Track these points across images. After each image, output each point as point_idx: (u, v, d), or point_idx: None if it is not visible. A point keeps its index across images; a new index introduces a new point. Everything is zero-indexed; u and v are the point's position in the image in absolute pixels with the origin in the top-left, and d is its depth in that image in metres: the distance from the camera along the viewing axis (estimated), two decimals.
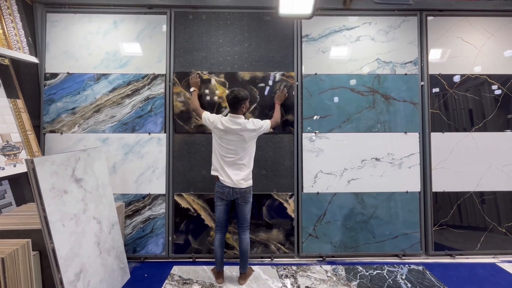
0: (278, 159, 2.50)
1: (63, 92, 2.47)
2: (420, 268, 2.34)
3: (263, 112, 2.49)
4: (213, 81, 2.49)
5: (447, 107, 2.56)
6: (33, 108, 2.37)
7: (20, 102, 2.20)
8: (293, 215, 2.49)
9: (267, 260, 2.46)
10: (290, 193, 2.49)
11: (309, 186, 2.50)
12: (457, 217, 2.54)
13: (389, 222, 2.51)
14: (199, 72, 2.47)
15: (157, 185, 2.47)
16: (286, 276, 2.21)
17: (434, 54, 2.56)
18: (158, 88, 2.49)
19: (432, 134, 2.54)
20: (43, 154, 2.39)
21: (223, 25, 2.51)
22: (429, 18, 2.56)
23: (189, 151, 2.49)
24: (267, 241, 2.48)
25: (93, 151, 2.01)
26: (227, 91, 2.33)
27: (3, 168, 1.93)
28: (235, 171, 1.99)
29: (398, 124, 2.53)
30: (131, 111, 2.48)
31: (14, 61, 2.19)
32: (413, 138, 2.54)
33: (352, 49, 2.54)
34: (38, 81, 2.46)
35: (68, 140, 2.45)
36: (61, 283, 1.52)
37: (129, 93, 2.48)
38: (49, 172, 1.57)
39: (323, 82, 2.52)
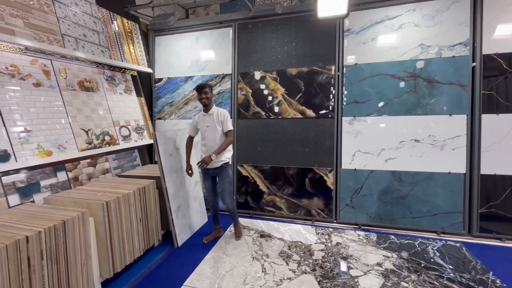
0: (320, 139, 2.95)
1: (165, 91, 3.56)
2: (458, 245, 2.44)
3: (308, 101, 2.97)
4: (267, 78, 3.12)
5: (504, 87, 2.45)
6: (149, 103, 3.54)
7: (142, 99, 3.36)
8: (332, 187, 2.92)
9: (308, 222, 2.99)
10: (329, 168, 2.93)
11: (347, 163, 2.87)
12: (510, 202, 2.46)
13: (428, 200, 2.64)
14: (255, 71, 3.13)
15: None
16: (322, 234, 2.70)
17: (490, 33, 2.47)
18: (226, 85, 3.29)
19: (483, 116, 2.50)
20: None
21: (274, 29, 3.08)
22: None
23: (248, 132, 3.21)
24: (309, 206, 3.01)
25: (184, 131, 2.95)
26: (278, 85, 2.91)
27: (136, 141, 3.08)
28: None
29: (441, 107, 2.59)
30: None
31: (139, 72, 3.35)
32: (459, 120, 2.56)
33: (394, 38, 2.71)
34: (151, 85, 3.62)
35: (168, 124, 3.53)
36: (170, 209, 2.48)
37: None
38: (162, 141, 2.53)
39: (363, 71, 2.80)
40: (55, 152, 2.21)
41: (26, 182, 2.02)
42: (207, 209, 3.22)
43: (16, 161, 1.93)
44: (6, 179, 1.90)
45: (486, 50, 2.48)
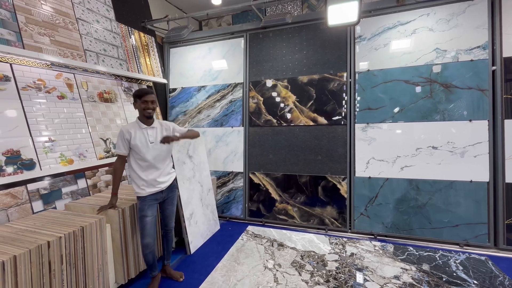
0: (332, 147, 2.92)
1: (179, 101, 3.67)
2: (483, 258, 2.29)
3: (319, 108, 2.96)
4: (278, 86, 3.14)
5: None
6: (164, 112, 3.66)
7: (158, 109, 3.47)
8: (345, 195, 2.86)
9: (322, 232, 2.93)
10: (343, 176, 2.87)
11: (361, 171, 2.81)
12: None
13: (448, 210, 2.52)
14: (266, 80, 3.17)
15: (238, 165, 3.33)
16: (336, 244, 2.63)
17: (510, 36, 2.37)
18: (238, 93, 3.35)
19: (506, 121, 2.38)
20: None
21: (285, 38, 3.12)
22: None
23: (260, 140, 3.23)
24: (322, 215, 2.95)
25: (197, 139, 3.02)
26: (289, 93, 2.93)
27: None
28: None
29: (460, 112, 2.49)
30: (220, 111, 3.43)
31: (154, 83, 3.48)
32: (481, 126, 2.45)
33: (407, 43, 2.66)
34: (166, 94, 3.74)
35: None
36: (183, 216, 2.52)
37: (219, 98, 3.43)
38: (176, 150, 2.59)
39: (375, 77, 2.76)
40: (76, 160, 2.32)
41: (49, 189, 2.13)
42: (219, 217, 3.23)
43: (41, 169, 2.05)
44: (31, 186, 2.01)
45: (507, 53, 2.38)
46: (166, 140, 1.84)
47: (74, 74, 2.46)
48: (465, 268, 2.15)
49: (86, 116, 2.51)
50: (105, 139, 2.64)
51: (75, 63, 2.35)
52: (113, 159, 2.65)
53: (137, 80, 3.20)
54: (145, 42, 3.37)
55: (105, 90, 2.75)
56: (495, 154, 2.41)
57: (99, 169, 2.56)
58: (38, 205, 2.04)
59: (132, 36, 3.17)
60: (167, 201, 2.08)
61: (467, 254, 2.36)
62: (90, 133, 2.50)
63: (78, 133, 2.40)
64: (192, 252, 2.57)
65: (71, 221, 1.72)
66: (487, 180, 2.43)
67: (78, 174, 2.37)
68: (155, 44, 3.52)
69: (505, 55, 2.39)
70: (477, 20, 2.46)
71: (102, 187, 2.57)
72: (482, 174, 2.44)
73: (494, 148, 2.41)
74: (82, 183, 2.40)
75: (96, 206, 2.00)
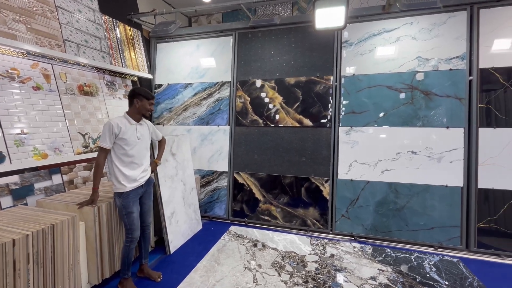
0: (317, 149, 2.95)
1: (165, 97, 3.59)
2: (455, 260, 2.39)
3: (305, 110, 2.99)
4: (266, 86, 3.14)
5: (502, 101, 2.45)
6: None
7: None
8: (328, 197, 2.90)
9: (304, 233, 2.95)
10: (326, 178, 2.91)
11: (343, 173, 2.85)
12: (508, 217, 2.41)
13: (424, 213, 2.61)
14: (254, 80, 3.17)
15: (222, 164, 3.30)
16: (317, 245, 2.66)
17: (486, 47, 2.49)
18: (225, 92, 3.32)
19: (480, 129, 2.49)
20: None
21: (274, 39, 3.12)
22: (481, 10, 2.50)
23: (245, 140, 3.22)
24: (305, 216, 2.98)
25: (182, 137, 2.96)
26: (276, 94, 2.93)
27: None
28: None
29: (439, 119, 2.59)
30: (206, 110, 3.39)
31: (139, 78, 3.39)
32: (457, 133, 2.55)
33: (391, 50, 2.73)
34: (151, 90, 3.65)
35: (167, 130, 3.55)
36: (163, 215, 2.46)
37: (205, 96, 3.39)
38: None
39: (360, 82, 2.82)
40: (51, 155, 2.22)
41: (20, 184, 2.02)
42: (202, 216, 3.19)
43: (11, 163, 1.94)
44: (0, 181, 1.90)
45: (483, 64, 2.49)
46: (155, 168, 2.23)
47: (52, 64, 2.35)
48: (438, 270, 2.23)
49: (64, 109, 2.40)
50: (83, 133, 2.54)
51: (53, 53, 2.24)
52: (92, 155, 2.56)
53: (121, 74, 3.11)
54: (131, 35, 3.28)
55: (85, 83, 2.65)
56: (469, 160, 2.52)
57: (76, 165, 2.46)
58: (7, 200, 1.93)
59: (117, 28, 3.07)
60: (145, 195, 2.07)
61: (440, 256, 2.45)
62: (67, 127, 2.40)
63: (54, 127, 2.30)
64: (172, 252, 2.52)
65: (41, 218, 1.64)
66: (461, 185, 2.53)
67: (53, 169, 2.26)
68: (141, 38, 3.43)
69: (481, 66, 2.50)
70: (457, 31, 2.56)
71: (79, 183, 2.47)
72: (457, 179, 2.54)
73: (468, 154, 2.52)
74: (57, 179, 2.30)
75: (71, 203, 1.92)
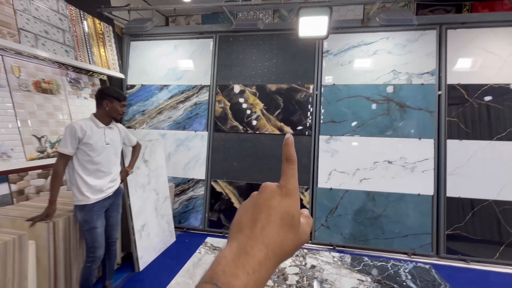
0: (297, 157, 2.89)
1: (137, 99, 3.34)
2: (427, 266, 2.47)
3: (286, 118, 2.95)
4: (246, 92, 3.06)
5: (466, 115, 2.64)
6: None
7: None
8: (307, 206, 2.87)
9: None
10: (306, 187, 2.88)
11: (323, 181, 2.85)
12: (473, 224, 2.58)
13: (399, 221, 2.69)
14: (234, 84, 3.07)
15: (199, 172, 3.12)
16: (297, 256, 2.59)
17: (453, 65, 2.68)
18: (204, 96, 3.17)
19: (448, 141, 2.65)
20: None
21: (256, 44, 3.07)
22: (449, 30, 2.70)
23: (224, 146, 3.09)
24: None
25: (156, 142, 2.75)
26: (257, 100, 2.86)
27: None
28: None
29: (412, 131, 2.71)
30: (183, 114, 3.20)
31: (109, 77, 3.11)
32: (428, 144, 2.68)
33: (369, 62, 2.82)
34: (122, 90, 3.37)
35: (139, 133, 3.29)
36: (133, 229, 2.23)
37: (183, 99, 3.21)
38: (129, 153, 2.30)
39: (340, 91, 2.86)
40: None
41: None
42: (176, 228, 2.97)
43: None
44: None
45: (450, 80, 2.67)
46: (125, 177, 2.02)
47: (2, 56, 2.03)
48: (413, 277, 2.27)
49: (16, 107, 2.08)
50: (39, 136, 2.23)
51: (4, 42, 1.94)
52: (50, 161, 2.25)
53: (88, 72, 2.82)
54: (101, 30, 3.00)
55: (44, 79, 2.34)
56: (439, 170, 2.66)
57: (29, 172, 2.13)
58: None
59: (85, 21, 2.79)
60: (112, 207, 1.85)
61: (414, 263, 2.50)
62: (19, 128, 2.08)
63: (3, 128, 1.97)
64: (141, 269, 2.28)
65: None
66: (432, 194, 2.66)
67: None
68: (112, 34, 3.17)
69: (449, 82, 2.68)
70: (428, 48, 2.72)
71: (31, 193, 2.14)
72: (428, 188, 2.66)
73: (438, 164, 2.66)
74: (3, 189, 1.96)
75: (19, 219, 1.63)
